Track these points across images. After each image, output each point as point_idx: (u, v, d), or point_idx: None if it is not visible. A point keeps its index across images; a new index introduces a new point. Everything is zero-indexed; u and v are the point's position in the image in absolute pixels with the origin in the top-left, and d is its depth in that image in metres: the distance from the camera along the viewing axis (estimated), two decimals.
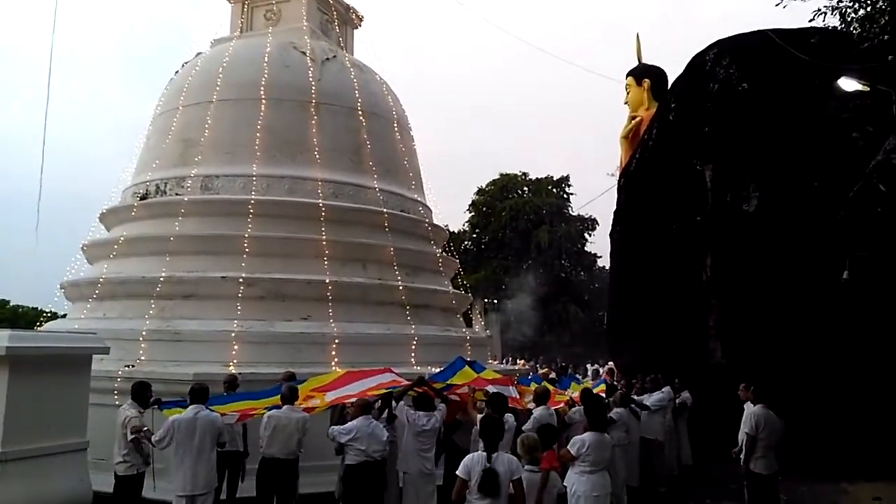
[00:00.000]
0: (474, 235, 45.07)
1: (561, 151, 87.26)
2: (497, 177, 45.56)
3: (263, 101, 13.17)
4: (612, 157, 26.41)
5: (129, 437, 7.56)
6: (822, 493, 10.70)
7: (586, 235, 43.64)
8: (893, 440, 11.57)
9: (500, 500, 5.55)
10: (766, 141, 14.06)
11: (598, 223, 42.29)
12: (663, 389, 11.54)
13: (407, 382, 8.37)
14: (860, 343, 11.89)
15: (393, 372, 8.98)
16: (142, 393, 7.95)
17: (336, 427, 7.55)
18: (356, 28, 17.20)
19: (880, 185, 10.03)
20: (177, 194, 12.80)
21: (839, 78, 13.26)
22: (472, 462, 5.74)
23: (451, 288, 14.89)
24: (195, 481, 7.18)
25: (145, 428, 7.59)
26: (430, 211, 15.44)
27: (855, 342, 11.96)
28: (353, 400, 7.93)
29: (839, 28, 14.82)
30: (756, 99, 14.59)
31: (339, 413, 8.06)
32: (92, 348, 8.16)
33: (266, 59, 13.64)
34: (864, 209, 10.79)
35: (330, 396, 8.19)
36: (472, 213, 45.17)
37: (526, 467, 5.83)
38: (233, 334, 10.78)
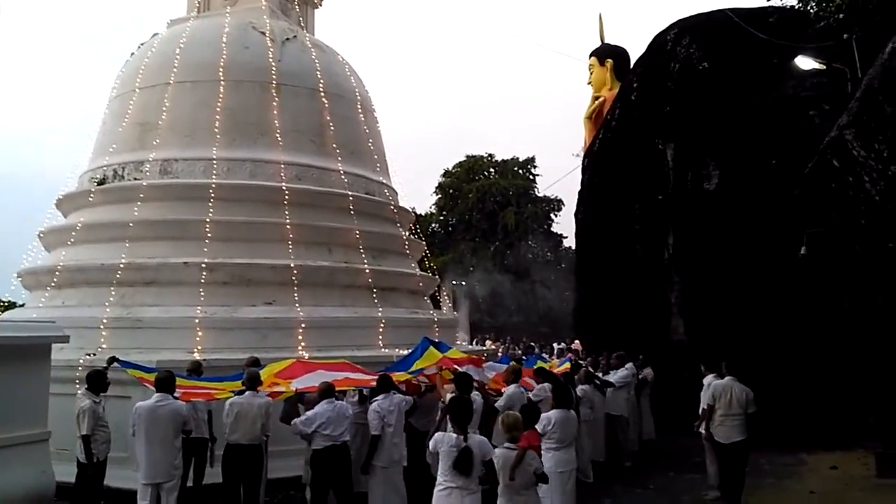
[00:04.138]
0: (441, 217, 45.11)
1: (526, 132, 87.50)
2: (463, 159, 45.60)
3: (222, 83, 12.89)
4: (577, 137, 26.53)
5: (84, 429, 7.49)
6: (782, 464, 11.00)
7: (552, 216, 43.97)
8: (850, 411, 11.95)
9: (472, 480, 5.62)
10: (726, 119, 14.27)
11: (563, 204, 42.62)
12: (626, 366, 11.73)
13: (373, 377, 8.34)
14: (817, 317, 12.20)
15: (353, 367, 8.92)
16: (98, 381, 7.84)
17: (298, 419, 7.49)
18: (317, 8, 16.91)
19: (834, 161, 10.24)
20: (135, 179, 12.52)
21: (797, 57, 13.48)
22: (440, 438, 5.80)
23: (418, 270, 14.87)
24: (159, 470, 7.13)
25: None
26: (396, 193, 15.36)
27: (812, 316, 12.26)
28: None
29: (797, 7, 15.09)
30: (716, 78, 14.79)
31: (293, 403, 8.02)
32: (51, 337, 7.97)
33: (224, 39, 13.35)
34: (820, 185, 11.02)
35: (296, 385, 8.14)
36: (439, 196, 45.16)
37: (504, 445, 5.88)
38: (196, 320, 10.62)
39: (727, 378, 8.76)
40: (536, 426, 7.04)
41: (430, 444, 5.90)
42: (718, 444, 8.73)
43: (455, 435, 5.72)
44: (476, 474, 5.63)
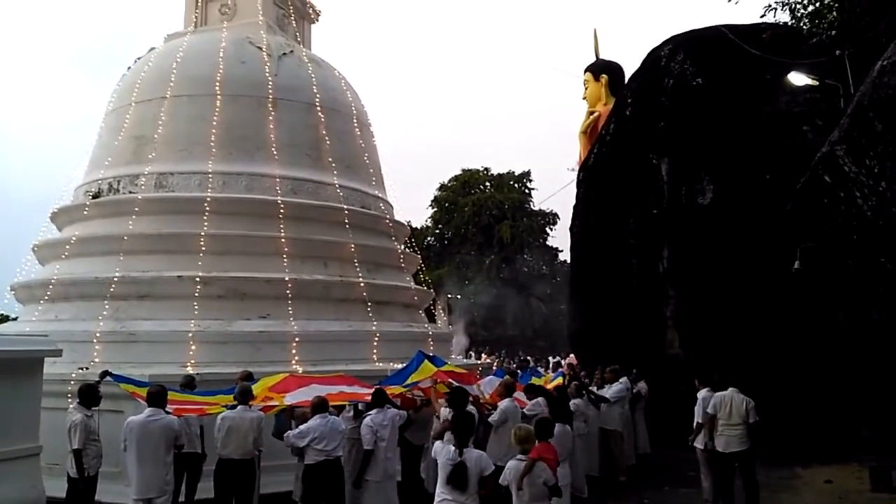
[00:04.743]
0: (437, 231, 45.14)
1: (522, 147, 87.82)
2: (459, 172, 45.73)
3: (219, 97, 12.94)
4: (573, 151, 26.67)
5: (75, 443, 7.47)
6: (777, 477, 10.97)
7: (548, 230, 44.03)
8: (845, 425, 11.95)
9: (468, 495, 5.63)
10: (720, 135, 14.34)
11: (559, 217, 42.68)
12: (621, 380, 11.70)
13: (368, 392, 8.32)
14: (812, 331, 12.21)
15: (348, 379, 8.93)
16: (89, 395, 7.80)
17: (291, 432, 7.50)
18: (313, 23, 17.03)
19: (826, 176, 10.29)
20: (130, 192, 12.53)
21: (790, 73, 13.59)
22: (440, 449, 5.93)
23: (413, 284, 14.87)
24: (151, 485, 7.05)
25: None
26: (392, 207, 15.38)
27: (807, 331, 12.28)
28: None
29: (790, 24, 15.24)
30: (710, 94, 14.88)
31: (286, 418, 8.01)
32: (44, 351, 7.95)
33: (221, 54, 13.41)
34: (812, 201, 11.07)
35: (289, 399, 8.12)
36: (435, 209, 45.22)
37: (517, 457, 5.98)
38: (190, 334, 10.60)
39: (729, 389, 8.83)
40: None
41: (432, 451, 6.12)
42: (718, 453, 8.78)
43: (453, 448, 5.76)
44: (472, 489, 5.64)
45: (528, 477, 5.86)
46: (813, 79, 13.27)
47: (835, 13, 14.22)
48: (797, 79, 13.53)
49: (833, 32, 13.98)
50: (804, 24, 14.92)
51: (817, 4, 14.81)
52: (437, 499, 5.79)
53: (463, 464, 5.62)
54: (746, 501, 8.80)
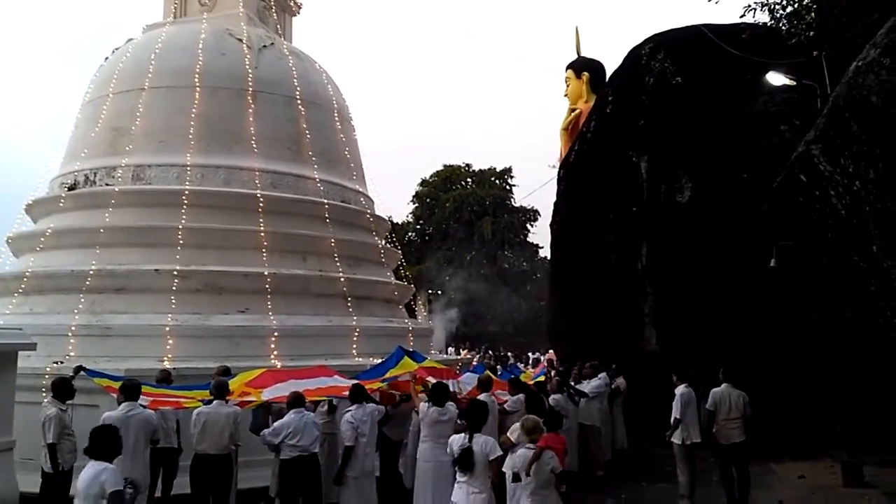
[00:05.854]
0: (418, 227, 45.12)
1: (504, 143, 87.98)
2: (441, 168, 45.72)
3: (198, 89, 12.82)
4: (554, 148, 26.69)
5: (49, 437, 7.37)
6: (751, 473, 11.08)
7: (529, 226, 44.18)
8: (818, 421, 12.12)
9: (476, 476, 6.19)
10: (699, 133, 14.45)
11: (539, 214, 42.85)
12: (600, 376, 11.79)
13: (346, 385, 8.30)
14: (787, 329, 12.36)
15: (327, 371, 8.92)
16: (63, 389, 7.71)
17: (266, 431, 7.49)
18: (294, 15, 16.92)
19: (802, 175, 10.42)
20: (107, 184, 12.39)
21: (768, 73, 13.73)
22: (454, 439, 6.50)
23: (393, 279, 14.85)
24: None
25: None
26: (372, 202, 15.34)
27: (782, 328, 12.43)
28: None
29: (769, 24, 15.40)
30: (689, 92, 14.98)
31: (263, 413, 7.98)
32: (18, 344, 7.88)
33: (201, 45, 13.30)
34: (788, 199, 11.20)
35: (267, 395, 8.07)
36: (416, 205, 45.19)
37: (526, 445, 6.27)
38: (167, 328, 10.51)
39: (724, 385, 9.22)
40: (510, 435, 7.10)
41: (448, 443, 6.63)
42: (720, 445, 9.16)
43: (464, 435, 6.38)
44: (479, 472, 6.14)
45: (537, 464, 6.12)
46: (791, 79, 13.42)
47: (813, 14, 14.39)
48: (775, 79, 13.67)
49: (811, 33, 14.16)
50: (783, 24, 15.10)
51: (796, 5, 15.00)
52: (455, 483, 6.36)
53: (470, 448, 6.19)
54: (739, 489, 9.14)
